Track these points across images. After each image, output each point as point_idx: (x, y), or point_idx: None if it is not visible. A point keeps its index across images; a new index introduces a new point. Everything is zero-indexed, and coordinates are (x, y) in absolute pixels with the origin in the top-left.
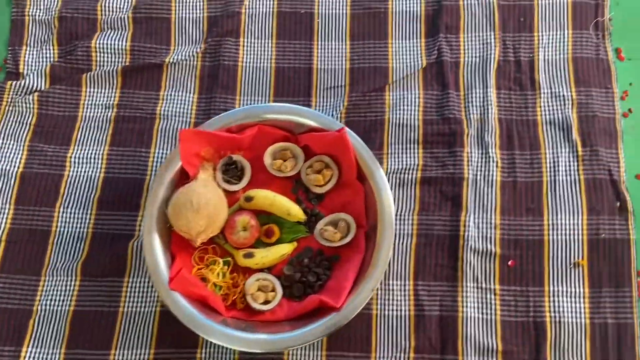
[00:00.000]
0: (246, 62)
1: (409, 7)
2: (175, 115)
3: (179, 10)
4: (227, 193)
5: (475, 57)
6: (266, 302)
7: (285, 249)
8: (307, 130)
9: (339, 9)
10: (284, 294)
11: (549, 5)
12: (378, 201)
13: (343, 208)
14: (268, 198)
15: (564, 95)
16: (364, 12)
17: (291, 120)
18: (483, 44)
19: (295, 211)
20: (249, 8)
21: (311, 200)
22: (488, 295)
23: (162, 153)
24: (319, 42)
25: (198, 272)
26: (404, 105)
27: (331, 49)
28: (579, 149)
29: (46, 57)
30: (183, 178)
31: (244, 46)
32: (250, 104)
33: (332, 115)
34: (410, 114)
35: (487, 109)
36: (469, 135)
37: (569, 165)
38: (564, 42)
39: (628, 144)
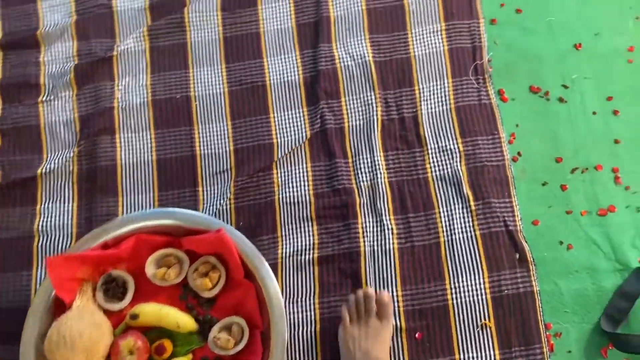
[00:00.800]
0: (125, 159)
1: (287, 76)
2: (55, 229)
3: (47, 114)
4: (111, 313)
5: (359, 120)
6: None
7: None
8: (187, 233)
9: (216, 88)
10: None
11: (425, 55)
12: (267, 300)
13: (236, 309)
14: (154, 313)
15: (450, 149)
16: (242, 87)
17: (165, 225)
18: (365, 105)
19: (185, 322)
20: (121, 101)
21: (202, 305)
22: None
23: (46, 274)
24: (200, 126)
25: None
26: (293, 182)
27: (213, 131)
28: (472, 203)
29: None
30: (61, 305)
31: (120, 142)
32: (134, 203)
33: (220, 203)
34: (301, 190)
35: (377, 173)
36: (361, 204)
37: (464, 222)
38: (444, 92)
39: (520, 189)
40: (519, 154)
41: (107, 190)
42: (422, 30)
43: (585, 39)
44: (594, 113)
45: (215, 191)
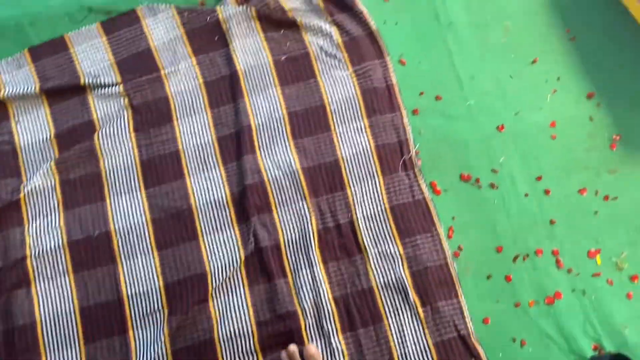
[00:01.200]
0: (44, 314)
1: (212, 195)
2: None
3: None
4: None
5: (294, 233)
6: None
7: None
8: None
9: (137, 218)
10: None
11: (353, 155)
12: None
13: None
14: None
15: (391, 253)
16: (166, 215)
17: None
18: (298, 215)
19: None
20: (33, 248)
21: None
22: None
23: None
24: (123, 264)
25: None
26: (232, 313)
27: (138, 267)
28: (420, 310)
29: None
30: None
31: (37, 295)
32: None
33: (154, 349)
34: (241, 321)
35: (319, 290)
36: (306, 327)
37: (415, 332)
38: (377, 192)
39: (466, 286)
40: (459, 248)
41: (28, 351)
42: (346, 129)
43: (506, 120)
44: (526, 195)
45: (148, 336)
